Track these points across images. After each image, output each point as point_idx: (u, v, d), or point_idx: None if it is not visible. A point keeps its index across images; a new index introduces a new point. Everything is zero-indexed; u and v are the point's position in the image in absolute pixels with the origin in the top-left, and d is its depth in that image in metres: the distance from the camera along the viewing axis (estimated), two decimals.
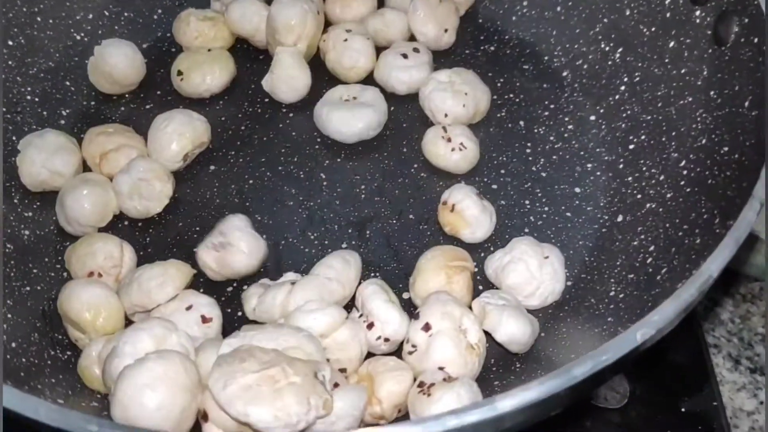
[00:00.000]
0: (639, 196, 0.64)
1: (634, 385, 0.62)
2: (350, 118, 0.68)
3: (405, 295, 0.60)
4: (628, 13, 0.71)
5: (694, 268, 0.48)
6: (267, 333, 0.48)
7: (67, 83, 0.74)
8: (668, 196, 0.61)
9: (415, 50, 0.73)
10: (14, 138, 0.68)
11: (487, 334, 0.55)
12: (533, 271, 0.58)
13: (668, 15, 0.67)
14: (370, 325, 0.55)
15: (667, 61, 0.66)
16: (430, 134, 0.68)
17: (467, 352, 0.53)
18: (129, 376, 0.44)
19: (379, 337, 0.55)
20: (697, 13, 0.64)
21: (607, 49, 0.73)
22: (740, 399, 0.67)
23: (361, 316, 0.56)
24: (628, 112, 0.69)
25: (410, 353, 0.54)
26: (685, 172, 0.61)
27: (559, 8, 0.77)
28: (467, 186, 0.65)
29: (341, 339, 0.52)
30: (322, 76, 0.74)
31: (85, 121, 0.72)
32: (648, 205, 0.62)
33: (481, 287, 0.61)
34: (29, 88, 0.71)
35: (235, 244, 0.60)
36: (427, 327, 0.53)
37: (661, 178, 0.63)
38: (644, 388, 0.63)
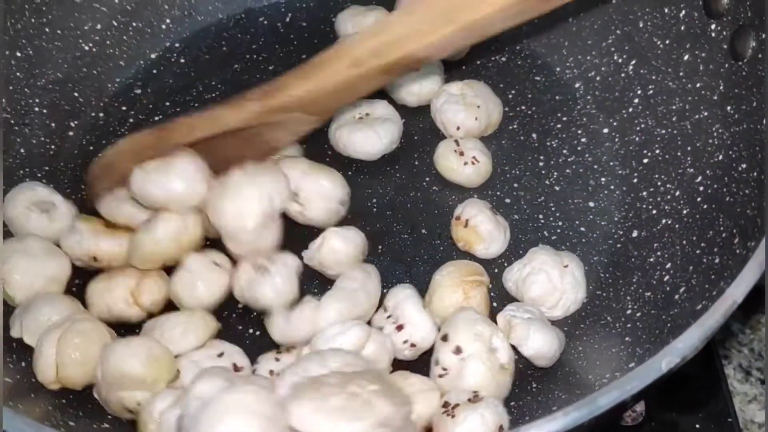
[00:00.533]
0: (654, 211, 0.64)
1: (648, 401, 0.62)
2: (374, 136, 0.68)
3: None
4: (641, 24, 0.71)
5: (714, 288, 0.48)
6: (312, 362, 0.47)
7: (76, 94, 0.74)
8: (684, 212, 0.61)
9: None
10: (22, 151, 0.69)
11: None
12: (555, 282, 0.58)
13: (683, 28, 0.67)
14: (400, 327, 0.56)
15: (681, 74, 0.66)
16: (442, 148, 0.68)
17: (499, 373, 0.53)
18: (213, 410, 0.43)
19: (406, 341, 0.55)
20: (713, 26, 0.63)
21: (620, 61, 0.73)
22: (751, 411, 0.67)
23: (389, 317, 0.56)
24: (642, 125, 0.69)
25: (441, 376, 0.53)
26: (701, 188, 0.60)
27: (570, 19, 0.77)
28: (480, 201, 0.64)
29: (370, 354, 0.52)
30: None
31: (93, 133, 0.73)
32: (664, 221, 0.62)
33: (495, 303, 0.61)
34: (37, 100, 0.72)
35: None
36: (458, 350, 0.53)
37: (677, 193, 0.63)
38: (658, 404, 0.62)
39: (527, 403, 0.54)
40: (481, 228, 0.62)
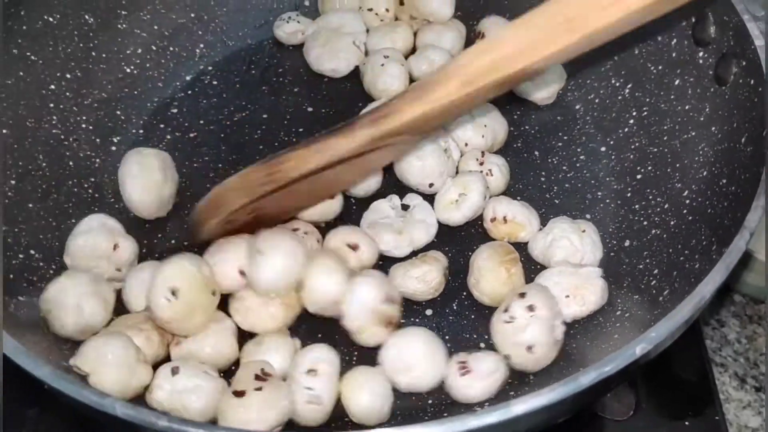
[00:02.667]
0: (645, 222, 0.68)
1: (639, 399, 0.66)
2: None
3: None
4: (636, 51, 0.76)
5: (692, 290, 0.53)
6: None
7: (118, 112, 0.79)
8: (672, 223, 0.65)
9: None
10: (71, 164, 0.73)
11: None
12: (576, 245, 0.65)
13: (674, 54, 0.71)
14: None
15: (672, 97, 0.71)
16: (465, 156, 0.73)
17: (554, 344, 0.59)
18: None
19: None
20: (701, 54, 0.68)
21: (617, 84, 0.77)
22: (745, 416, 0.70)
23: None
24: (636, 144, 0.74)
25: (506, 322, 0.59)
26: (687, 202, 0.65)
27: None
28: (499, 196, 0.70)
29: None
30: (358, 94, 0.81)
31: (133, 147, 0.76)
32: (653, 231, 0.66)
33: None
34: (84, 117, 0.76)
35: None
36: (531, 308, 0.58)
37: (666, 206, 0.67)
38: (650, 404, 0.66)
39: (525, 392, 0.59)
40: (519, 218, 0.68)
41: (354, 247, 0.65)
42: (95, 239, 0.65)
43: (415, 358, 0.57)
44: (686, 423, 0.66)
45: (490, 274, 0.63)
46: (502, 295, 0.62)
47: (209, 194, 0.62)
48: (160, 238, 0.71)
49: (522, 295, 0.59)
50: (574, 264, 0.64)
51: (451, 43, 0.83)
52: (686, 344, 0.69)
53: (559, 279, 0.63)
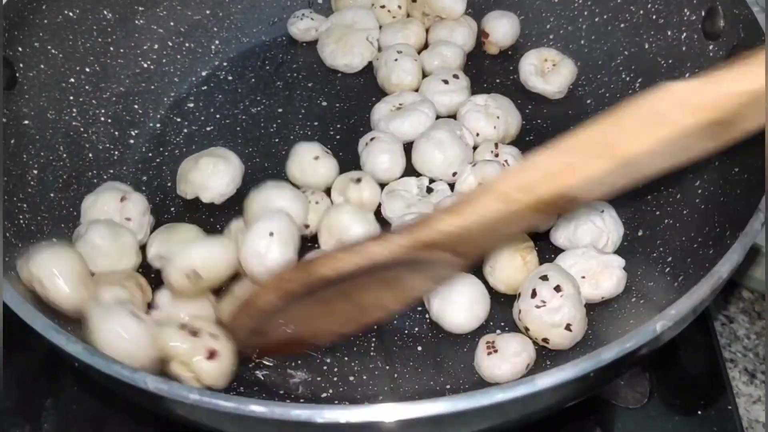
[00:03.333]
0: (657, 212, 0.69)
1: (654, 390, 0.67)
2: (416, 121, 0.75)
3: None
4: (647, 46, 0.77)
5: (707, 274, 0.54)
6: None
7: (136, 107, 0.80)
8: (684, 212, 0.66)
9: (455, 77, 0.79)
10: (90, 156, 0.75)
11: None
12: (600, 225, 0.66)
13: (684, 49, 0.73)
14: None
15: None
16: (481, 148, 0.74)
17: (585, 316, 0.61)
18: None
19: None
20: (711, 47, 0.69)
21: (628, 79, 0.79)
22: (756, 411, 0.71)
23: None
24: None
25: (538, 307, 0.60)
26: (699, 191, 0.66)
27: (582, 41, 0.83)
28: None
29: None
30: (372, 89, 0.83)
31: (151, 141, 0.79)
32: (666, 221, 0.67)
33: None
34: (103, 110, 0.78)
35: None
36: (558, 288, 0.60)
37: (678, 196, 0.68)
38: (662, 394, 0.67)
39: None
40: None
41: (357, 180, 0.70)
42: (103, 194, 0.69)
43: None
44: (699, 413, 0.67)
45: (505, 262, 0.64)
46: (518, 282, 0.64)
47: (245, 295, 0.60)
48: None
49: (544, 277, 0.60)
50: (599, 250, 0.65)
51: (463, 39, 0.84)
52: (697, 338, 0.70)
53: (577, 260, 0.64)
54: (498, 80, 0.84)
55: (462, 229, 0.50)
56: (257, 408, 0.41)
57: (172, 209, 0.74)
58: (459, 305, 0.62)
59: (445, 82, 0.79)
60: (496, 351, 0.59)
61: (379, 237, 0.54)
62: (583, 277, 0.63)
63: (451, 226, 0.51)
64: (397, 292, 0.58)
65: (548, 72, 0.80)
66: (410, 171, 0.74)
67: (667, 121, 0.44)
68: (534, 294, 0.60)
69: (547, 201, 0.48)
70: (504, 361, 0.59)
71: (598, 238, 0.66)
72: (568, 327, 0.59)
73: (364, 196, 0.70)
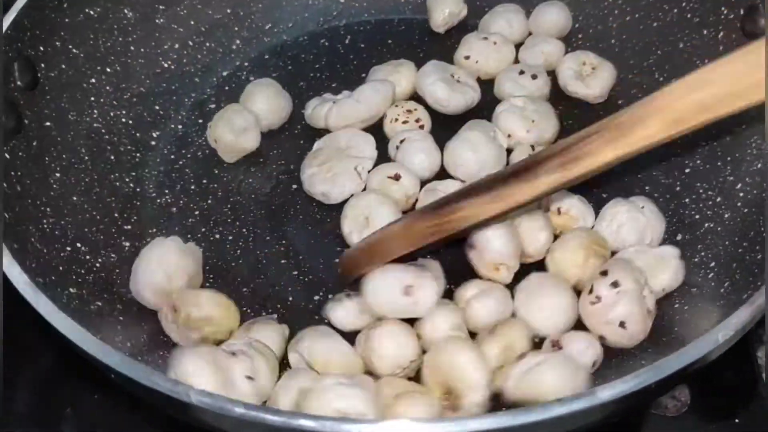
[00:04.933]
0: (697, 216, 0.67)
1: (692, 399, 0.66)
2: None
3: None
4: (681, 45, 0.75)
5: (758, 280, 0.53)
6: None
7: (157, 107, 0.79)
8: (726, 216, 0.65)
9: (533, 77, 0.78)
10: (112, 158, 0.73)
11: None
12: (642, 222, 0.66)
13: (722, 48, 0.71)
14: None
15: None
16: (517, 151, 0.73)
17: (647, 315, 0.59)
18: None
19: None
20: None
21: (661, 79, 0.77)
22: None
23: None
24: (683, 138, 0.72)
25: (593, 304, 0.59)
26: (741, 194, 0.64)
27: (613, 41, 0.82)
28: None
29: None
30: None
31: (173, 142, 0.78)
32: (706, 225, 0.66)
33: None
34: (124, 111, 0.76)
35: None
36: (615, 284, 0.58)
37: (718, 199, 0.66)
38: (698, 402, 0.65)
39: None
40: (574, 211, 0.67)
41: (396, 177, 0.68)
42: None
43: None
44: (736, 421, 0.65)
45: (568, 249, 0.63)
46: (567, 275, 0.63)
47: (364, 241, 0.60)
48: None
49: (604, 273, 0.59)
50: (649, 245, 0.65)
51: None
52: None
53: (634, 255, 0.63)
54: None
55: (619, 159, 0.47)
56: (307, 422, 0.39)
57: (196, 212, 0.73)
58: (547, 310, 0.60)
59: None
60: (560, 349, 0.57)
61: (525, 175, 0.50)
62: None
63: (609, 156, 0.46)
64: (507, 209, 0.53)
65: (587, 76, 0.79)
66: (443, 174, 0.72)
67: None
68: (591, 290, 0.59)
69: (725, 117, 0.44)
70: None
71: (643, 235, 0.65)
72: (622, 324, 0.58)
73: (407, 186, 0.69)
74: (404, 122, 0.76)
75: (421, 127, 0.76)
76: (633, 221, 0.65)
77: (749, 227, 0.61)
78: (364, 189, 0.71)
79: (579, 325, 0.61)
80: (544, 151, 0.51)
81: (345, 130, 0.75)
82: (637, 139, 0.45)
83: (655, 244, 0.66)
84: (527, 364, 0.54)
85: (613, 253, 0.65)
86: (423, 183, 0.71)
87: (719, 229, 0.65)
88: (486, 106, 0.77)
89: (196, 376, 0.50)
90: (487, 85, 0.80)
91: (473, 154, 0.70)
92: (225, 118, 0.75)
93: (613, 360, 0.59)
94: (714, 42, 0.72)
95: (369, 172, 0.72)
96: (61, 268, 0.60)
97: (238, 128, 0.74)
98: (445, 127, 0.76)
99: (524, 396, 0.52)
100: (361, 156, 0.73)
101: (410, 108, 0.77)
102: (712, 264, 0.63)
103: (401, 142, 0.73)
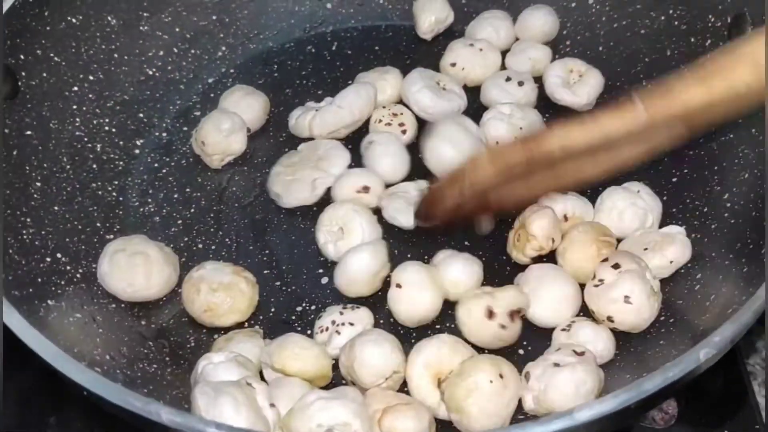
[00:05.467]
0: (684, 226, 0.66)
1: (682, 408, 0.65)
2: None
3: None
4: (668, 53, 0.75)
5: (743, 294, 0.52)
6: None
7: (141, 115, 0.78)
8: (713, 226, 0.64)
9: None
10: (94, 167, 0.73)
11: None
12: (641, 206, 0.66)
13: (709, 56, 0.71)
14: None
15: None
16: None
17: (652, 294, 0.59)
18: None
19: None
20: None
21: (649, 87, 0.76)
22: None
23: None
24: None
25: (596, 286, 0.60)
26: (728, 205, 0.64)
27: (600, 48, 0.81)
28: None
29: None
30: None
31: (157, 151, 0.77)
32: (693, 235, 0.65)
33: None
34: (107, 120, 0.76)
35: None
36: (617, 266, 0.59)
37: (705, 209, 0.66)
38: (685, 413, 0.65)
39: None
40: (579, 211, 0.67)
41: (365, 190, 0.69)
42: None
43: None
44: (725, 431, 0.65)
45: (578, 246, 0.63)
46: (584, 271, 0.62)
47: (455, 170, 0.58)
48: None
49: (604, 260, 0.60)
50: (651, 228, 0.66)
51: None
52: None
53: (639, 239, 0.64)
54: None
55: (708, 100, 0.47)
56: None
57: (179, 221, 0.72)
58: (548, 300, 0.61)
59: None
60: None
61: (619, 107, 0.51)
62: (646, 249, 0.63)
63: (698, 96, 0.47)
64: (604, 163, 0.55)
65: (575, 83, 0.78)
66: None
67: None
68: (594, 276, 0.60)
69: None
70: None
71: (644, 219, 0.66)
72: (626, 299, 0.58)
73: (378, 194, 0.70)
74: (387, 124, 0.75)
75: (404, 131, 0.75)
76: (632, 207, 0.66)
77: (736, 239, 0.61)
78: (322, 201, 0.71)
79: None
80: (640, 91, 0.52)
81: (327, 141, 0.75)
82: (727, 82, 0.47)
83: (656, 226, 0.67)
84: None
85: (619, 241, 0.66)
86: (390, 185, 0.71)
87: (706, 240, 0.64)
88: (473, 113, 0.76)
89: (234, 417, 0.49)
90: (473, 91, 0.79)
91: (453, 148, 0.69)
92: (212, 119, 0.75)
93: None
94: (701, 49, 0.71)
95: (328, 187, 0.71)
96: (39, 280, 0.60)
97: (225, 129, 0.74)
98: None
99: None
100: (328, 171, 0.72)
101: (396, 111, 0.76)
102: (698, 276, 0.62)
103: (370, 143, 0.72)
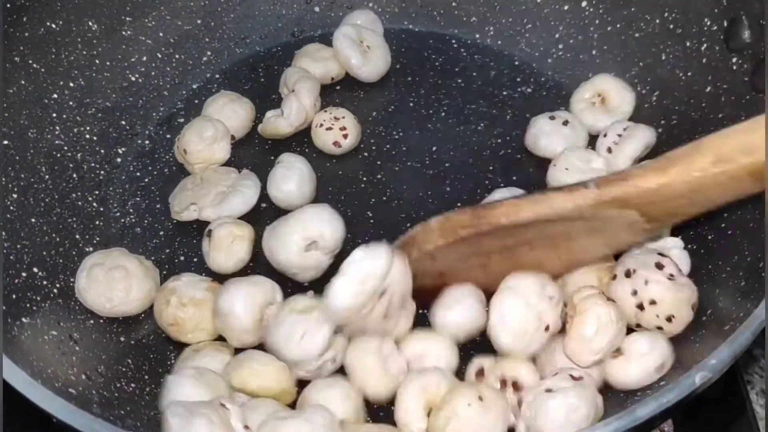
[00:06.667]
0: (679, 236, 0.64)
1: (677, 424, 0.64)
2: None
3: None
4: (663, 57, 0.73)
5: (740, 310, 0.50)
6: None
7: (123, 122, 0.77)
8: (709, 238, 0.63)
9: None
10: (75, 176, 0.71)
11: None
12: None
13: (704, 61, 0.69)
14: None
15: (704, 105, 0.68)
16: None
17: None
18: None
19: None
20: (734, 60, 0.66)
21: (644, 92, 0.75)
22: None
23: None
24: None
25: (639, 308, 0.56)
26: (725, 215, 0.62)
27: (594, 52, 0.79)
28: None
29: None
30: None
31: (140, 159, 0.75)
32: (689, 246, 0.63)
33: None
34: (88, 128, 0.74)
35: None
36: (628, 273, 0.57)
37: (701, 220, 0.64)
38: (685, 423, 0.64)
39: None
40: None
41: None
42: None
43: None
44: None
45: (579, 278, 0.59)
46: None
47: (407, 234, 0.58)
48: None
49: (627, 273, 0.57)
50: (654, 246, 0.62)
51: None
52: None
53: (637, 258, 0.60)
54: (505, 92, 0.80)
55: (663, 188, 0.47)
56: None
57: (161, 232, 0.71)
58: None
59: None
60: (620, 353, 0.55)
61: (567, 188, 0.51)
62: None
63: (652, 183, 0.47)
64: (562, 254, 0.55)
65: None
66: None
67: None
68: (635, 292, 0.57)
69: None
70: (631, 362, 0.54)
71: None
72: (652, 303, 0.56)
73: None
74: (328, 129, 0.74)
75: (345, 135, 0.74)
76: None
77: (733, 251, 0.59)
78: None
79: None
80: (597, 177, 0.52)
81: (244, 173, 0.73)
82: (680, 171, 0.47)
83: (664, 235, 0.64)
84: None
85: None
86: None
87: (702, 251, 0.63)
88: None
89: None
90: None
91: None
92: (194, 127, 0.73)
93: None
94: (697, 54, 0.70)
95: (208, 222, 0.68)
96: (14, 296, 0.58)
97: (208, 137, 0.72)
98: (374, 137, 0.76)
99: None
100: (211, 200, 0.70)
101: (338, 115, 0.75)
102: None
103: (277, 163, 0.71)
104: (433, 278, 0.58)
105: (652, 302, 0.55)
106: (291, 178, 0.69)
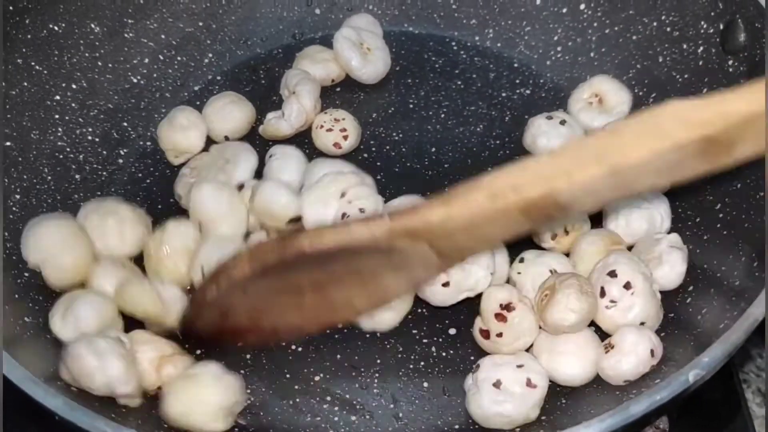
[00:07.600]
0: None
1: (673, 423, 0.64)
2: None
3: None
4: (660, 60, 0.74)
5: (734, 309, 0.51)
6: None
7: (125, 124, 0.77)
8: (705, 237, 0.63)
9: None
10: (77, 177, 0.72)
11: None
12: (645, 207, 0.65)
13: (701, 63, 0.70)
14: None
15: None
16: None
17: (659, 306, 0.59)
18: None
19: None
20: (730, 62, 0.66)
21: (641, 94, 0.75)
22: None
23: None
24: None
25: (608, 307, 0.58)
26: (720, 215, 0.63)
27: (592, 54, 0.80)
28: None
29: None
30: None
31: (142, 160, 0.76)
32: (685, 245, 0.64)
33: None
34: (90, 129, 0.74)
35: None
36: (628, 285, 0.58)
37: (697, 220, 0.65)
38: (680, 422, 0.64)
39: (557, 417, 0.57)
40: (577, 223, 0.65)
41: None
42: None
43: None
44: None
45: (591, 258, 0.61)
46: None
47: (219, 264, 0.58)
48: None
49: (612, 273, 0.58)
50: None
51: None
52: None
53: (646, 246, 0.62)
54: (504, 94, 0.81)
55: (447, 220, 0.50)
56: None
57: None
58: (570, 355, 0.58)
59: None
60: (612, 347, 0.56)
61: (364, 220, 0.54)
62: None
63: (436, 215, 0.50)
64: (371, 291, 0.57)
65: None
66: None
67: (662, 134, 0.44)
68: (603, 293, 0.58)
69: (535, 203, 0.48)
70: (624, 355, 0.55)
71: (651, 219, 0.64)
72: (643, 324, 0.57)
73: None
74: (328, 130, 0.75)
75: (345, 137, 0.75)
76: (637, 209, 0.64)
77: (728, 251, 0.60)
78: None
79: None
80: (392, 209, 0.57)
81: (236, 143, 0.74)
82: (461, 205, 0.50)
83: (667, 223, 0.65)
84: None
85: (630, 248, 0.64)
86: None
87: (698, 251, 0.63)
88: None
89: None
90: None
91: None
92: (169, 116, 0.75)
93: None
94: (694, 56, 0.71)
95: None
96: (17, 296, 0.59)
97: (178, 125, 0.74)
98: (374, 138, 0.76)
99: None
100: (232, 175, 0.70)
101: (338, 117, 0.76)
102: (690, 288, 0.61)
103: (270, 157, 0.72)
104: (249, 315, 0.57)
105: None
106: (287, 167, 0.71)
